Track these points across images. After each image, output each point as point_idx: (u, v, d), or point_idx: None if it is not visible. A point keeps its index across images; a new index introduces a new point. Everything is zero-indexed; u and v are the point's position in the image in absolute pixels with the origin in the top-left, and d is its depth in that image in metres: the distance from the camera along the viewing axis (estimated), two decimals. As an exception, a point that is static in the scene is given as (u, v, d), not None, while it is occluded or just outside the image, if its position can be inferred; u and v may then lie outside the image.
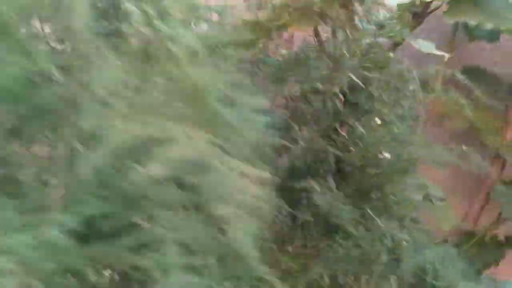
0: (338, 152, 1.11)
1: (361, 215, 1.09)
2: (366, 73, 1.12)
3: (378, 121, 1.08)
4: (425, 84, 2.36)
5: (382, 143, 1.04)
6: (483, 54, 2.89)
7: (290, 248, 1.22)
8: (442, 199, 2.11)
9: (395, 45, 1.62)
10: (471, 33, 2.40)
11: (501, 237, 2.59)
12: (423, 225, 1.16)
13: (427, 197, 1.94)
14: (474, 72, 2.22)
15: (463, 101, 2.38)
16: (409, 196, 1.07)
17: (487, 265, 2.53)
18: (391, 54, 1.25)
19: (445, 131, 2.63)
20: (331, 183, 1.18)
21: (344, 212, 1.02)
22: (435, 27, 2.70)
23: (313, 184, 1.19)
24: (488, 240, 2.58)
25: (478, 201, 2.60)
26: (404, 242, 1.02)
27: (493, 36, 2.33)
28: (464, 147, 1.10)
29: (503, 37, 2.70)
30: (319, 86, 1.13)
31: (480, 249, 2.51)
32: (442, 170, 1.07)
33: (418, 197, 1.81)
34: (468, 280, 2.07)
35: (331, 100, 1.10)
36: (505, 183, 2.50)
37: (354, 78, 1.07)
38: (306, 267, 1.14)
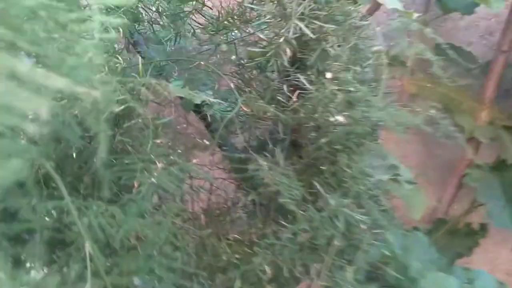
0: (282, 116, 0.91)
1: (312, 193, 0.89)
2: (319, 23, 0.93)
3: (329, 76, 0.89)
4: (395, 59, 2.21)
5: (334, 103, 0.84)
6: (457, 34, 2.78)
7: (232, 235, 1.03)
8: (411, 182, 1.95)
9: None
10: (445, 6, 2.25)
11: (475, 225, 2.46)
12: (386, 207, 0.97)
13: (394, 179, 1.77)
14: (444, 51, 2.07)
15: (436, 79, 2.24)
16: (367, 170, 0.88)
17: (460, 255, 2.40)
18: (352, 7, 1.05)
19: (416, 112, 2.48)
20: (279, 156, 0.98)
21: (289, 190, 0.83)
22: (408, 2, 2.55)
23: (259, 159, 1.00)
24: (462, 227, 2.44)
25: (451, 186, 2.46)
26: (362, 226, 0.83)
27: (469, 8, 2.18)
28: (433, 111, 0.91)
29: (479, 17, 2.58)
30: (262, 36, 0.93)
31: (453, 237, 2.37)
32: (400, 134, 0.88)
33: (384, 177, 1.63)
34: (439, 270, 1.92)
35: (276, 56, 0.90)
36: (479, 167, 2.35)
37: (303, 27, 0.87)
38: (247, 257, 0.95)
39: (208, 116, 1.70)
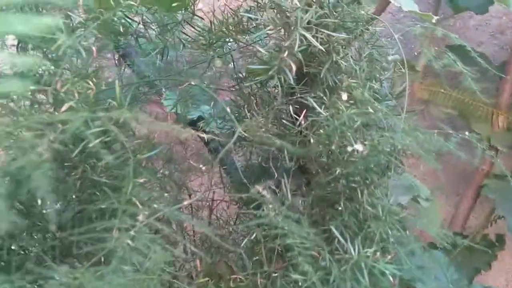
0: (289, 146, 0.77)
1: (326, 238, 0.74)
2: (328, 32, 0.78)
3: (345, 97, 0.74)
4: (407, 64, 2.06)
5: (352, 129, 0.69)
6: (467, 33, 2.63)
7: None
8: (428, 199, 1.80)
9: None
10: (457, 5, 2.10)
11: (492, 236, 2.30)
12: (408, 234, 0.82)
13: (414, 199, 1.62)
14: (459, 52, 1.93)
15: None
16: (393, 208, 0.73)
17: (478, 270, 2.24)
18: (365, 11, 0.91)
19: (428, 120, 2.34)
20: (286, 190, 0.83)
21: (297, 237, 0.68)
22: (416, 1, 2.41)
23: (262, 191, 0.85)
24: (479, 241, 2.28)
25: (467, 198, 2.31)
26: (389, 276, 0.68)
27: (482, 7, 2.04)
28: (467, 133, 0.77)
29: (490, 15, 2.44)
30: (262, 50, 0.78)
31: (471, 252, 2.21)
32: (431, 163, 0.73)
33: (404, 199, 1.48)
34: (460, 292, 1.78)
35: (278, 72, 0.76)
36: (497, 177, 2.20)
37: (310, 38, 0.72)
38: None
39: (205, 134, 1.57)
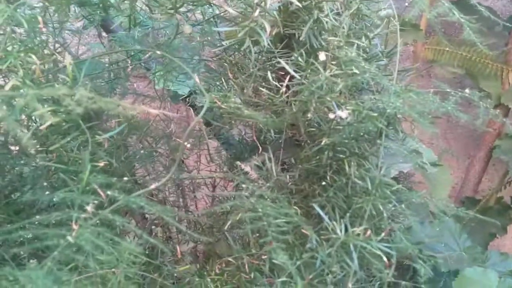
0: (259, 117, 0.68)
1: (315, 216, 0.66)
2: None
3: (323, 57, 0.65)
4: (408, 22, 1.95)
5: (333, 93, 0.61)
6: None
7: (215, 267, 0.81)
8: (436, 164, 1.71)
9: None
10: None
11: (507, 199, 2.21)
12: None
13: (418, 165, 1.53)
14: (464, 6, 1.81)
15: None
16: (385, 179, 0.64)
17: (493, 235, 2.16)
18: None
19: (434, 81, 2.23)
20: (271, 165, 0.75)
21: (273, 219, 0.60)
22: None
23: (245, 168, 0.77)
24: (493, 205, 2.19)
25: (479, 160, 2.21)
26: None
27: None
28: (467, 91, 0.67)
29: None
30: (231, 11, 0.69)
31: (485, 217, 2.12)
32: (425, 127, 0.64)
33: (406, 166, 1.40)
34: (474, 259, 1.70)
35: (251, 33, 0.67)
36: (509, 137, 2.09)
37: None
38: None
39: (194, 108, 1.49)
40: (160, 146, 1.21)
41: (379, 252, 0.61)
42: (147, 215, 1.17)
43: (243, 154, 1.25)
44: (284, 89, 0.77)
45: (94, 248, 0.50)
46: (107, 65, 1.31)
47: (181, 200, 1.45)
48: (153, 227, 1.21)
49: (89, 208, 0.52)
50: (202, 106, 1.52)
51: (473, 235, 1.82)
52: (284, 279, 0.62)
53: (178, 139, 1.20)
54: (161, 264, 0.77)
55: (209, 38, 1.11)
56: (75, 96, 0.47)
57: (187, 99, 1.51)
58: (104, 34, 1.55)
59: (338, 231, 0.62)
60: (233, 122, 0.88)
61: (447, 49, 1.97)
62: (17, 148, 0.74)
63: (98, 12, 1.06)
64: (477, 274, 1.49)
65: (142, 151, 1.04)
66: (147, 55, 0.94)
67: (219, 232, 1.09)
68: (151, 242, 0.75)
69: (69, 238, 0.50)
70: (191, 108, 1.45)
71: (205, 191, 1.49)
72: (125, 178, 0.61)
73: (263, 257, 0.82)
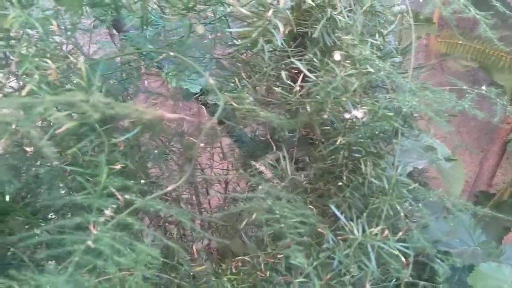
0: (274, 118, 0.68)
1: (331, 215, 0.66)
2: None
3: (338, 57, 0.64)
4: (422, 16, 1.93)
5: (348, 93, 0.60)
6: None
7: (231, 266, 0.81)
8: (450, 159, 1.70)
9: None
10: None
11: (520, 192, 2.18)
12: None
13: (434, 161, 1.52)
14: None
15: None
16: (402, 178, 0.64)
17: (507, 229, 2.14)
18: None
19: (446, 75, 2.21)
20: (286, 165, 0.75)
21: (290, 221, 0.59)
22: None
23: (262, 166, 0.77)
24: (507, 199, 2.17)
25: (492, 154, 2.19)
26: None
27: None
28: (483, 88, 0.67)
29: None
30: (243, 11, 0.68)
31: (499, 211, 2.10)
32: (441, 125, 0.63)
33: (422, 163, 1.39)
34: (488, 254, 1.69)
35: (265, 32, 0.66)
36: (523, 130, 2.07)
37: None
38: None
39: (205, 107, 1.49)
40: (173, 145, 1.21)
41: (396, 252, 0.60)
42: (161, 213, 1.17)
43: (256, 151, 1.24)
44: (298, 88, 0.76)
45: (113, 252, 0.51)
46: (119, 64, 1.31)
47: (194, 198, 1.45)
48: (166, 224, 1.22)
49: (107, 212, 0.53)
50: (214, 104, 1.53)
51: (487, 229, 1.80)
52: (301, 279, 0.62)
53: (190, 138, 1.20)
54: (178, 263, 0.78)
55: (219, 35, 1.11)
56: (91, 101, 0.48)
57: (199, 97, 1.51)
58: (115, 32, 1.56)
59: (356, 231, 0.62)
60: (246, 121, 0.87)
61: (460, 42, 1.95)
62: (32, 149, 0.74)
63: (109, 12, 1.06)
64: (492, 269, 1.48)
65: (155, 151, 1.04)
66: (161, 57, 0.93)
67: (233, 230, 1.09)
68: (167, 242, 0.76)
69: (89, 243, 0.50)
70: (203, 106, 1.45)
71: (218, 187, 1.49)
72: (142, 181, 0.61)
73: (279, 256, 0.82)
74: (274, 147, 0.86)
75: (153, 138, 1.18)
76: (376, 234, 0.62)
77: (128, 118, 0.91)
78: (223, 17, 1.06)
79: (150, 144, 1.17)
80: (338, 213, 0.64)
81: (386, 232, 0.62)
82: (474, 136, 2.44)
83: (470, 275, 1.48)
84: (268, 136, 0.87)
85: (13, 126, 0.58)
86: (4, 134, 0.59)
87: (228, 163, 1.44)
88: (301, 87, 0.76)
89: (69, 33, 0.96)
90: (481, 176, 2.20)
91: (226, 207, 1.42)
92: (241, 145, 1.47)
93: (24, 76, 0.67)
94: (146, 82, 1.46)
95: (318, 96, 0.66)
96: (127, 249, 0.53)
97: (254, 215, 0.77)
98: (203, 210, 1.45)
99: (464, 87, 0.68)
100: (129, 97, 1.26)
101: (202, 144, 1.19)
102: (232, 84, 1.01)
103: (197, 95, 1.57)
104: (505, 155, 2.24)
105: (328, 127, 0.80)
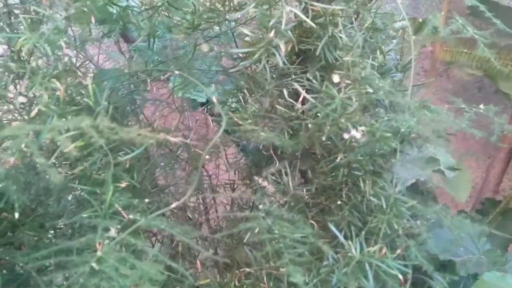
0: (275, 139, 0.70)
1: (327, 228, 0.68)
2: (319, 5, 0.70)
3: (336, 79, 0.66)
4: (422, 25, 1.94)
5: (347, 114, 0.62)
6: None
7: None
8: (454, 168, 1.71)
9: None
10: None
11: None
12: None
13: (437, 171, 1.53)
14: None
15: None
16: (401, 197, 0.65)
17: (514, 237, 2.14)
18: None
19: (452, 83, 2.21)
20: (288, 180, 0.77)
21: (290, 240, 0.61)
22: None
23: (262, 180, 0.79)
24: (513, 206, 2.17)
25: (499, 161, 2.19)
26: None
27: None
28: (481, 106, 0.68)
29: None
30: (246, 32, 0.70)
31: (505, 219, 2.10)
32: (439, 146, 0.65)
33: (425, 174, 1.40)
34: (493, 263, 1.70)
35: (267, 54, 0.68)
36: (529, 137, 2.07)
37: (297, 12, 0.65)
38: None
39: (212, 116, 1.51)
40: (180, 154, 1.23)
41: (394, 271, 0.62)
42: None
43: (261, 161, 1.26)
44: (299, 105, 0.78)
45: (118, 274, 0.53)
46: (127, 76, 1.33)
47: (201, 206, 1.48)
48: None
49: (112, 232, 0.55)
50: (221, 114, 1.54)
51: (492, 237, 1.80)
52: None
53: (196, 149, 1.22)
54: (182, 277, 0.80)
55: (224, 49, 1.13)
56: (98, 126, 0.50)
57: (206, 107, 1.54)
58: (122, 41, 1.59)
59: (353, 250, 0.64)
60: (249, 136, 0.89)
61: (465, 50, 1.96)
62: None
63: (118, 27, 1.09)
64: (496, 279, 1.49)
65: (162, 163, 1.06)
66: (166, 75, 0.95)
67: (239, 239, 1.11)
68: (171, 251, 0.78)
69: (94, 265, 0.52)
70: (210, 116, 1.48)
71: (224, 194, 1.51)
72: (146, 200, 0.63)
73: (281, 269, 0.84)
74: (277, 162, 0.88)
75: (160, 147, 1.21)
76: (374, 252, 0.63)
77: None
78: (228, 31, 1.08)
79: (158, 155, 1.20)
80: (337, 233, 0.66)
81: (384, 250, 0.64)
82: (481, 142, 2.44)
83: (474, 285, 1.48)
84: (271, 151, 0.89)
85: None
86: (14, 155, 0.61)
87: (233, 172, 1.46)
88: (303, 103, 0.78)
89: (78, 43, 0.99)
90: (487, 183, 2.20)
91: (232, 216, 1.44)
92: (246, 155, 1.49)
93: (32, 95, 0.69)
94: (154, 88, 1.48)
95: (318, 115, 0.67)
96: (131, 268, 0.55)
97: (255, 232, 0.79)
98: (209, 218, 1.47)
99: (463, 106, 0.69)
100: (137, 107, 1.29)
101: (207, 157, 1.21)
102: (237, 98, 1.03)
103: (203, 106, 1.59)
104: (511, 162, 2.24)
105: (329, 142, 0.82)
